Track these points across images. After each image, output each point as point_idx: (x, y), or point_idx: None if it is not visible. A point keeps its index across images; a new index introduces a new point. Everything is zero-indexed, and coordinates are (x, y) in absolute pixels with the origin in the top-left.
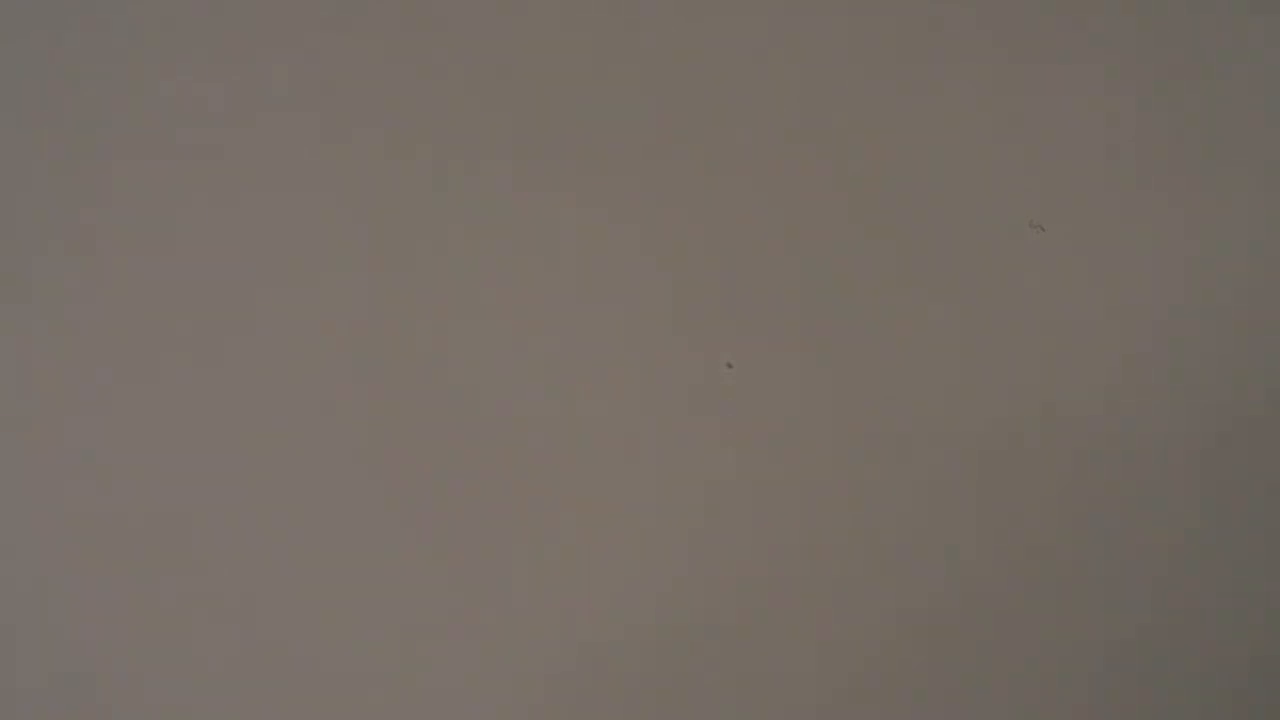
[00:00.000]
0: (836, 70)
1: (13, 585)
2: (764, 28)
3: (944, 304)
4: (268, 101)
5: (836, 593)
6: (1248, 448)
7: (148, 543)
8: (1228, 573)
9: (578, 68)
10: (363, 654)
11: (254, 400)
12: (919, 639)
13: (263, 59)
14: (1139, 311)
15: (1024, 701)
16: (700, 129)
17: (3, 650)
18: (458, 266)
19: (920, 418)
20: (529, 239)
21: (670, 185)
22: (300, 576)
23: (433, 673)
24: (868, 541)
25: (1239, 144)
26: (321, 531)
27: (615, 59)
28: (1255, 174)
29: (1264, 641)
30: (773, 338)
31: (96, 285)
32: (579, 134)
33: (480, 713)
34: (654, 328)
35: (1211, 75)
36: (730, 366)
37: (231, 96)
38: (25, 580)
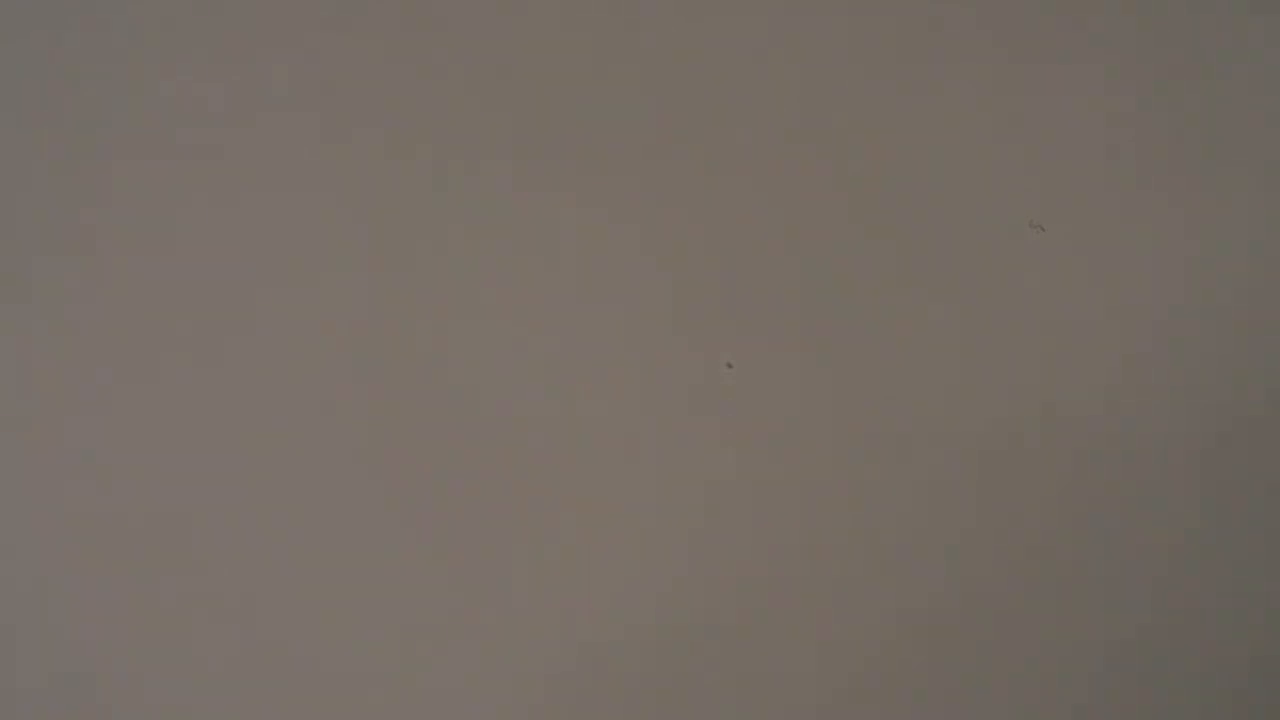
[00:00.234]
0: (836, 70)
1: (13, 585)
2: (764, 28)
3: (944, 304)
4: (268, 101)
5: (836, 593)
6: (1248, 448)
7: (148, 543)
8: (1228, 573)
9: (578, 68)
10: (363, 654)
11: (254, 400)
12: (919, 639)
13: (263, 59)
14: (1139, 311)
15: (1024, 701)
16: (700, 129)
17: (3, 650)
18: (458, 266)
19: (920, 418)
20: (529, 239)
21: (670, 185)
22: (300, 576)
23: (433, 673)
24: (868, 541)
25: (1239, 144)
26: (321, 531)
27: (615, 59)
28: (1255, 174)
29: (1264, 641)
30: (773, 338)
31: (96, 285)
32: (579, 134)
33: (480, 713)
34: (654, 328)
35: (1211, 75)
36: (730, 366)
37: (231, 96)
38: (25, 580)
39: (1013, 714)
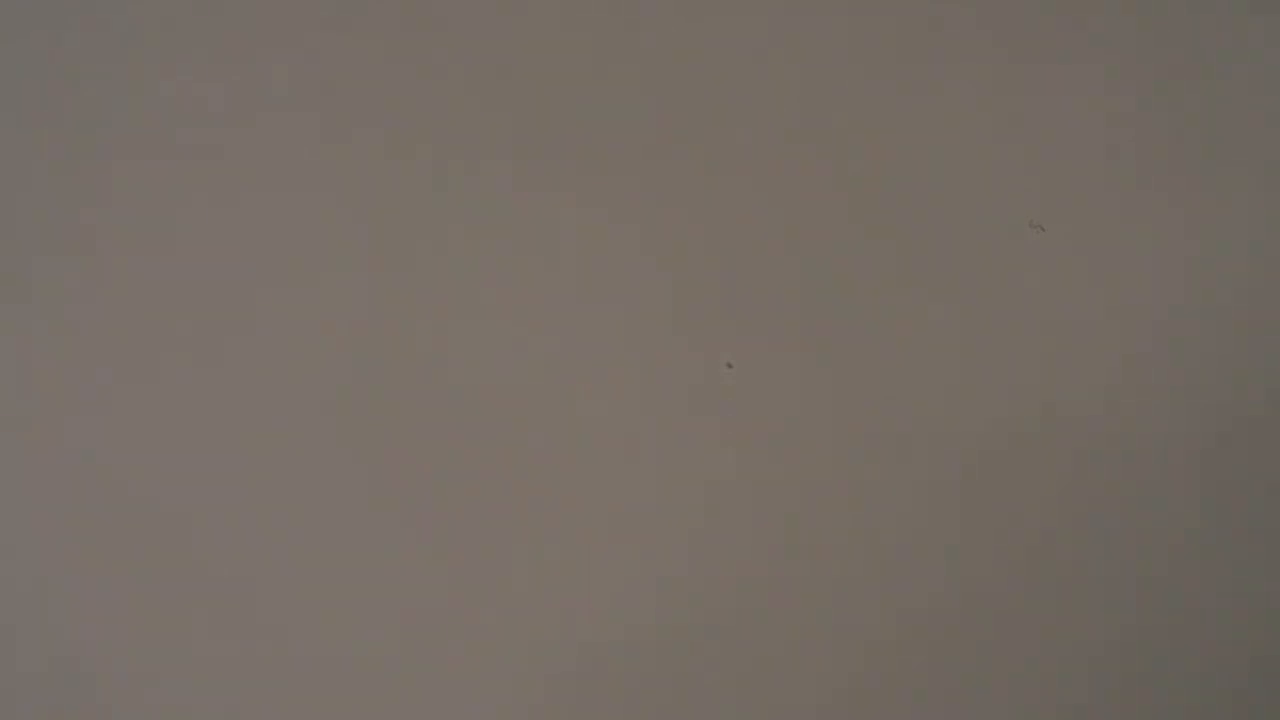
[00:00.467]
0: (836, 70)
1: (13, 585)
2: (764, 28)
3: (944, 304)
4: (268, 101)
5: (836, 593)
6: (1248, 448)
7: (148, 543)
8: (1228, 573)
9: (578, 68)
10: (363, 654)
11: (254, 400)
12: (919, 639)
13: (263, 59)
14: (1139, 311)
15: (1024, 701)
16: (700, 129)
17: (3, 650)
18: (458, 266)
19: (920, 418)
20: (529, 239)
21: (670, 185)
22: (300, 576)
23: (433, 672)
24: (868, 541)
25: (1239, 144)
26: (321, 531)
27: (615, 59)
28: (1255, 174)
29: (1264, 641)
30: (773, 338)
31: (96, 285)
32: (579, 134)
33: (480, 713)
34: (654, 328)
35: (1211, 75)
36: (730, 366)
37: (231, 96)
38: (25, 580)
39: (1013, 714)
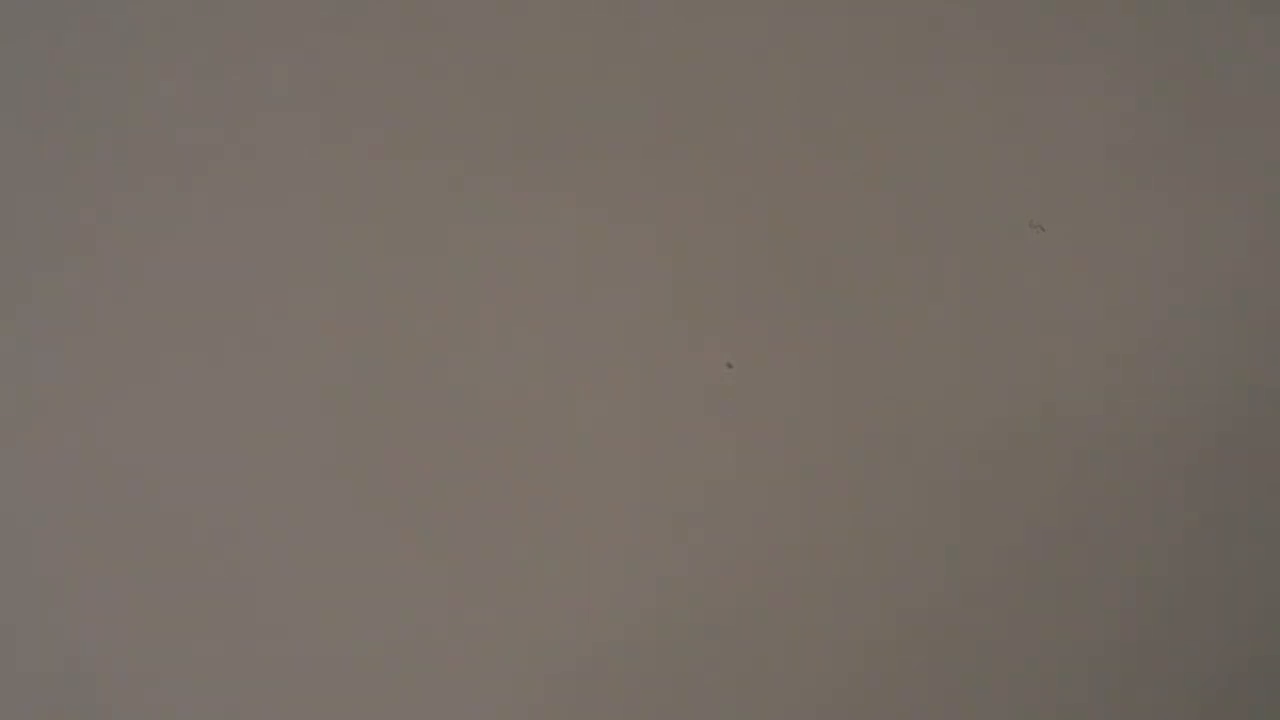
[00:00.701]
0: (836, 70)
1: (13, 585)
2: (764, 28)
3: (944, 304)
4: (268, 101)
5: (836, 593)
6: (1248, 448)
7: (148, 543)
8: (1228, 573)
9: (578, 68)
10: (363, 654)
11: (254, 400)
12: (919, 639)
13: (263, 59)
14: (1139, 311)
15: (1024, 701)
16: (700, 129)
17: (3, 650)
18: (458, 266)
19: (920, 418)
20: (529, 239)
21: (670, 185)
22: (300, 576)
23: (433, 673)
24: (868, 541)
25: (1239, 144)
26: (321, 532)
27: (615, 59)
28: (1255, 174)
29: (1264, 641)
30: (773, 338)
31: (96, 285)
32: (579, 134)
33: (480, 713)
34: (654, 328)
35: (1211, 75)
36: (730, 366)
37: (231, 96)
38: (25, 580)
39: (1013, 714)
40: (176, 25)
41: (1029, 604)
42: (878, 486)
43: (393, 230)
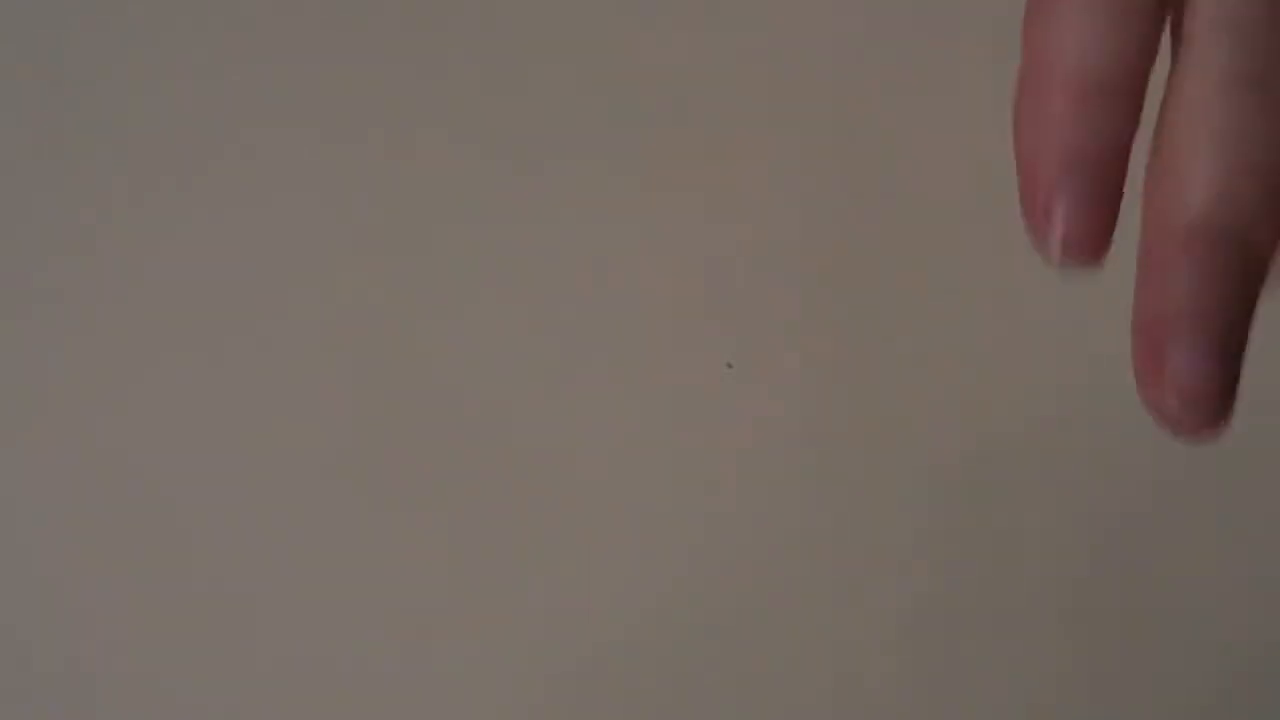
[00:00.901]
0: (836, 70)
1: (13, 585)
2: (764, 27)
3: (945, 304)
4: (268, 101)
5: (836, 593)
6: (1248, 448)
7: (148, 543)
8: (1228, 573)
9: (577, 68)
10: (363, 654)
11: (254, 400)
12: (919, 639)
13: (263, 59)
14: None
15: (1024, 701)
16: (700, 128)
17: (3, 650)
18: (458, 267)
19: (920, 418)
20: (529, 239)
21: (670, 185)
22: (300, 576)
23: (432, 673)
24: (868, 541)
25: None
26: (321, 531)
27: (615, 59)
28: None
29: (1264, 641)
30: (773, 338)
31: (96, 285)
32: (579, 134)
33: (480, 713)
34: (654, 328)
35: None
36: (730, 366)
37: (231, 97)
38: (25, 580)
39: (1014, 714)
40: (176, 25)
41: (1029, 604)
42: (879, 486)
43: (393, 230)
